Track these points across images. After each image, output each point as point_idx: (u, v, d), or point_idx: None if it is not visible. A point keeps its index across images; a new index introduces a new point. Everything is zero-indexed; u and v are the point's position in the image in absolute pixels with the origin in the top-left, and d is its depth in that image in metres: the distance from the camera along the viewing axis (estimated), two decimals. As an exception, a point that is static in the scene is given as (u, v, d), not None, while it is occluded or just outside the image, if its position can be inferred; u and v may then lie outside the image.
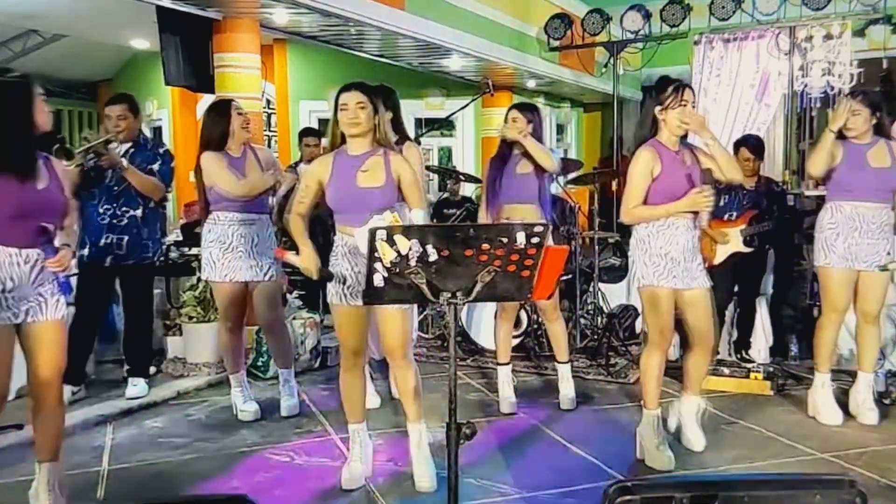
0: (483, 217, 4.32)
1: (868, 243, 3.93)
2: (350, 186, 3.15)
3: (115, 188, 4.31)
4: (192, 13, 5.44)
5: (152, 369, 5.03)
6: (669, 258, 3.43)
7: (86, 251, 4.34)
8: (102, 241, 4.33)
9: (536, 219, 4.13)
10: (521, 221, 3.88)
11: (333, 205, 3.21)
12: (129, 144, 4.39)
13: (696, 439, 3.67)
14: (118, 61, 10.25)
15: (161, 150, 4.53)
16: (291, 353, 4.49)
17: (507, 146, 4.25)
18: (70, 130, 10.65)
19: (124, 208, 4.35)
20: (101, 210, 4.32)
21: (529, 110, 4.23)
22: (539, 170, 4.14)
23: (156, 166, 4.40)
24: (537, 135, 4.17)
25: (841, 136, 3.98)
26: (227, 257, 4.04)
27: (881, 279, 3.99)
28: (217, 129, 4.04)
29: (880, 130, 3.96)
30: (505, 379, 4.41)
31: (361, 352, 3.37)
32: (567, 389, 4.43)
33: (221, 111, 4.09)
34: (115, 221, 4.33)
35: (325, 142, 7.59)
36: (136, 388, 4.52)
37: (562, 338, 4.45)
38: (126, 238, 4.35)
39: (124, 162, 4.23)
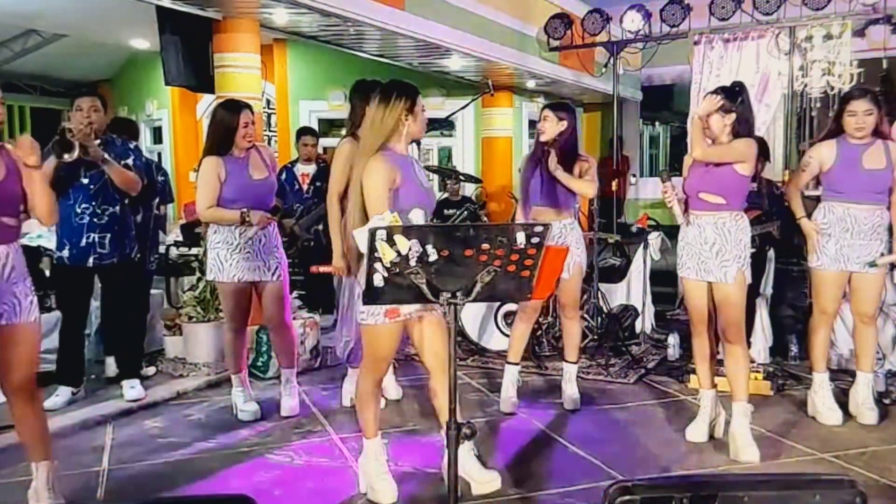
0: (519, 217, 4.43)
1: (860, 244, 3.93)
2: (425, 186, 3.12)
3: (92, 186, 4.22)
4: (192, 13, 5.43)
5: (152, 369, 5.04)
6: (687, 250, 3.72)
7: (66, 252, 4.25)
8: (84, 242, 4.23)
9: (567, 218, 4.23)
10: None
11: (410, 204, 2.99)
12: (97, 141, 4.24)
13: (748, 450, 3.55)
14: (118, 61, 10.26)
15: (132, 146, 4.46)
16: (295, 353, 4.49)
17: (541, 147, 4.25)
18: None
19: (104, 206, 4.26)
20: (78, 210, 4.22)
21: (563, 110, 4.21)
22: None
23: (130, 161, 4.32)
24: (573, 136, 4.18)
25: (838, 132, 3.99)
26: (234, 258, 4.03)
27: (874, 279, 3.99)
28: (221, 127, 4.02)
29: (877, 131, 3.94)
30: (511, 378, 4.40)
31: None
32: (572, 390, 4.43)
33: (231, 111, 4.06)
34: (95, 220, 4.24)
35: (321, 141, 7.56)
36: (135, 390, 4.50)
37: (576, 337, 4.47)
38: (108, 236, 4.28)
39: (107, 155, 4.13)
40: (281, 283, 4.22)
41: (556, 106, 4.27)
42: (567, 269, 4.21)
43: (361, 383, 3.22)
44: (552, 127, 4.17)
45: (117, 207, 4.32)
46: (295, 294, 5.87)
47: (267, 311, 4.23)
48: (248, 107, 4.13)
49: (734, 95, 3.57)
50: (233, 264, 4.04)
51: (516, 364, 4.43)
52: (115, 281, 4.43)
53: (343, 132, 4.64)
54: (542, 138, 4.22)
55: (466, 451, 3.18)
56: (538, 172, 4.21)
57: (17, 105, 10.56)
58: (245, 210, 3.99)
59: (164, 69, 5.66)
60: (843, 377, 4.55)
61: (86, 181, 4.23)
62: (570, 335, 4.45)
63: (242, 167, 4.07)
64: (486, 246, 2.11)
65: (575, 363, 4.48)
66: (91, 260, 4.27)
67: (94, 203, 4.24)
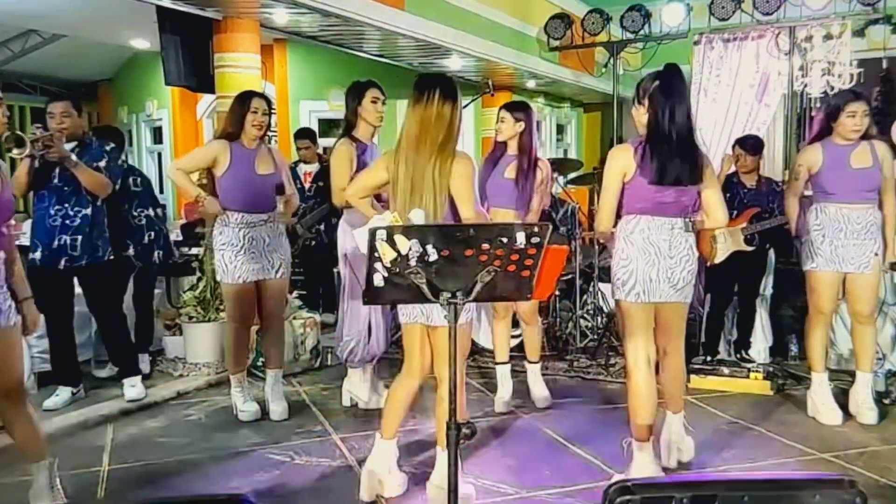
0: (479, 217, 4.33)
1: (854, 244, 3.92)
2: None
3: (66, 188, 4.19)
4: (192, 13, 5.44)
5: (148, 368, 5.02)
6: None
7: (38, 254, 4.21)
8: (55, 244, 4.20)
9: None
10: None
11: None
12: (74, 144, 4.25)
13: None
14: (118, 61, 10.27)
15: (107, 148, 4.40)
16: (283, 354, 4.49)
17: (501, 147, 4.24)
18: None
19: (76, 208, 4.23)
20: (52, 212, 4.20)
21: (520, 110, 4.21)
22: (522, 178, 4.12)
23: (102, 164, 4.27)
24: (529, 137, 4.16)
25: (822, 136, 4.00)
26: (238, 259, 4.03)
27: (870, 279, 3.99)
28: (232, 119, 4.05)
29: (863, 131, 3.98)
30: (502, 378, 4.41)
31: None
32: (540, 389, 4.45)
33: (244, 96, 4.10)
34: (67, 222, 4.21)
35: (322, 141, 7.52)
36: (135, 389, 4.47)
37: (537, 339, 4.51)
38: (79, 238, 4.23)
39: (73, 157, 4.10)
40: (284, 281, 4.23)
41: (513, 106, 4.27)
42: None
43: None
44: (509, 128, 4.16)
45: (89, 209, 4.26)
46: (295, 294, 5.87)
47: (267, 307, 4.23)
48: (263, 96, 4.16)
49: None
50: (237, 265, 4.03)
51: (506, 363, 4.44)
52: (89, 283, 4.39)
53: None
54: (500, 138, 4.22)
55: (393, 452, 3.20)
56: (496, 173, 4.18)
57: (17, 105, 10.56)
58: (202, 194, 4.01)
59: (164, 69, 5.66)
60: (842, 377, 4.55)
61: (59, 183, 4.19)
62: (529, 339, 4.49)
63: (249, 159, 4.05)
64: (486, 246, 2.11)
65: (537, 363, 4.50)
66: (63, 262, 4.23)
67: (66, 205, 4.21)
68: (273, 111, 9.52)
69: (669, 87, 3.07)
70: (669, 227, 3.11)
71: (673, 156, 3.04)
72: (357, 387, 4.43)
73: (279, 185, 4.16)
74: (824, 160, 3.96)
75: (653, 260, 3.11)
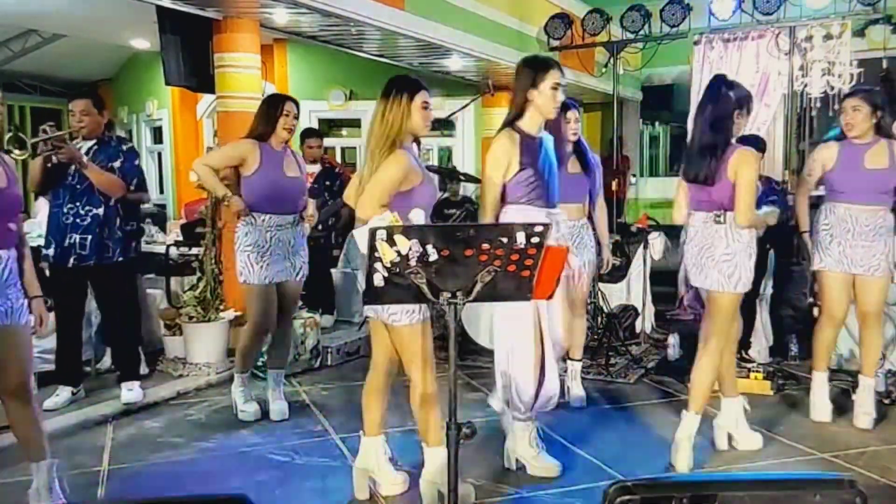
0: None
1: (863, 246, 3.86)
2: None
3: (78, 186, 4.20)
4: (192, 13, 5.43)
5: (146, 369, 5.01)
6: None
7: (51, 251, 4.25)
8: (66, 242, 4.22)
9: (583, 217, 4.32)
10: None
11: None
12: (92, 142, 4.28)
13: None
14: (118, 61, 10.27)
15: (125, 148, 4.40)
16: (287, 355, 4.49)
17: (562, 144, 4.18)
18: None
19: (87, 207, 4.23)
20: (64, 210, 4.22)
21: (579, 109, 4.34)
22: (588, 168, 4.28)
23: (117, 164, 4.27)
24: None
25: (842, 135, 3.98)
26: (265, 260, 4.03)
27: (880, 283, 3.94)
28: (263, 120, 4.07)
29: (881, 130, 3.91)
30: (573, 374, 4.51)
31: None
32: (578, 388, 4.47)
33: (276, 99, 4.16)
34: (78, 221, 4.22)
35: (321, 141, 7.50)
36: (132, 392, 4.45)
37: (582, 335, 4.53)
38: (89, 238, 4.23)
39: (84, 158, 4.11)
40: (301, 282, 4.26)
41: (574, 105, 4.28)
42: (584, 266, 4.24)
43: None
44: (578, 125, 4.28)
45: (101, 209, 4.25)
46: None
47: (282, 307, 4.23)
48: (293, 100, 4.19)
49: None
50: (263, 266, 4.03)
51: (579, 361, 4.52)
52: (98, 283, 4.39)
53: (344, 132, 4.63)
54: (574, 138, 4.28)
55: (380, 449, 3.22)
56: (562, 171, 4.12)
57: (17, 105, 10.57)
58: (228, 194, 4.00)
59: (164, 69, 5.65)
60: (842, 377, 4.55)
61: (73, 181, 4.21)
62: (576, 333, 4.46)
63: (278, 161, 4.07)
64: (486, 246, 2.11)
65: (580, 361, 4.51)
66: (71, 261, 4.23)
67: (78, 203, 4.22)
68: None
69: (701, 98, 3.54)
70: (703, 220, 3.45)
71: (691, 158, 3.44)
72: (523, 445, 3.47)
73: (310, 189, 4.20)
74: (839, 158, 3.92)
75: (683, 249, 3.60)
